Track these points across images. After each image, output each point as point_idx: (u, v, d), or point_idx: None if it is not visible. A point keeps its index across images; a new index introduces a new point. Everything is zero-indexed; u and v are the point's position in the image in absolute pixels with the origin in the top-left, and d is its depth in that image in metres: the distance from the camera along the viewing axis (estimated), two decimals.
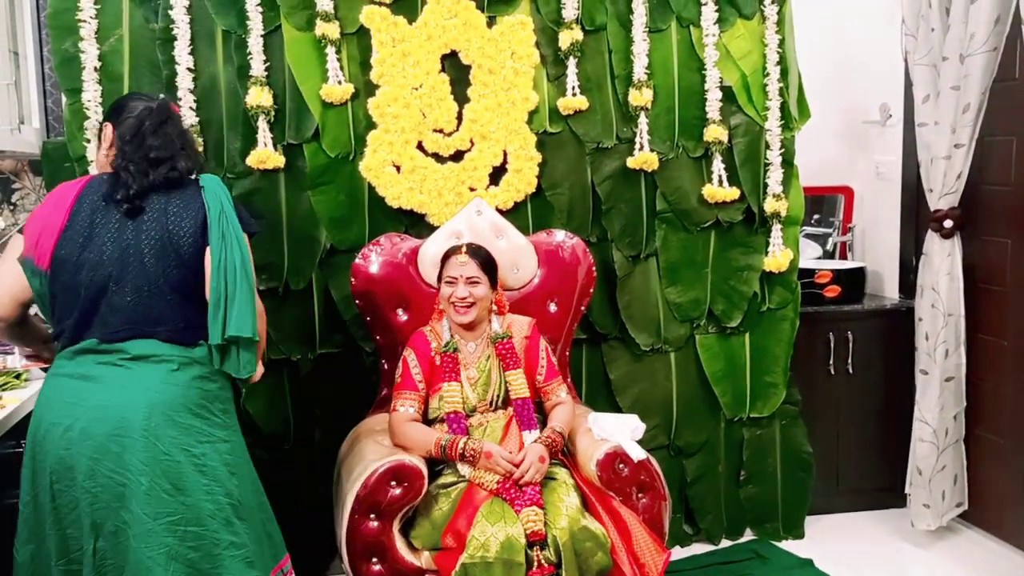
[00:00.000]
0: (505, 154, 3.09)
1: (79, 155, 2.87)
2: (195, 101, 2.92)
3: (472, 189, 3.07)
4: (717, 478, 3.40)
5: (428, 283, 2.85)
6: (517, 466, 2.41)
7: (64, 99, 2.89)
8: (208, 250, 2.14)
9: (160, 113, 2.24)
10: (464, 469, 2.46)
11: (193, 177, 2.24)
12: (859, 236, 4.01)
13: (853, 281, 3.70)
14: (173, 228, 2.13)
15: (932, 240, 3.30)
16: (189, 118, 2.90)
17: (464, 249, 2.62)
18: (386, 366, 2.91)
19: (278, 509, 3.07)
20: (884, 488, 3.65)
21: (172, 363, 2.10)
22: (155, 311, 2.10)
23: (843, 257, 3.99)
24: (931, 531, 3.40)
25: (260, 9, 2.91)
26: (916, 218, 3.68)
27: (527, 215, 3.15)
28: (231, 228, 2.16)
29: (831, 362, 3.55)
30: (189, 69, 2.90)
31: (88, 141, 2.86)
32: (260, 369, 2.29)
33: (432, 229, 3.01)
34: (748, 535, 3.47)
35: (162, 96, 2.35)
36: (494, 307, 2.68)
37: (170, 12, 2.87)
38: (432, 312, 2.74)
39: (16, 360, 2.64)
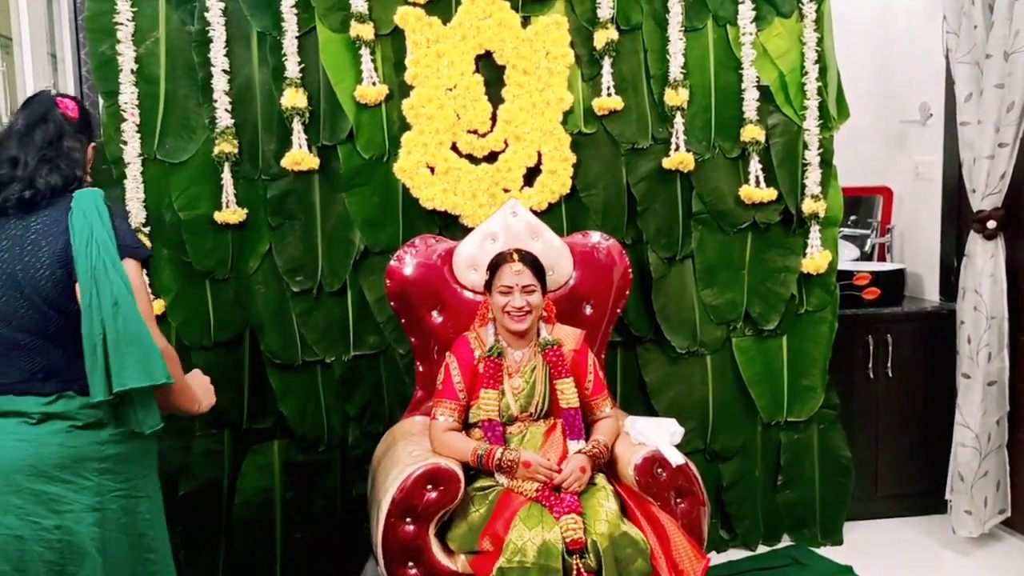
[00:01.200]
0: (539, 155, 3.06)
1: (116, 157, 2.89)
2: (230, 103, 2.93)
3: (506, 190, 3.05)
4: (754, 483, 3.36)
5: (463, 285, 2.83)
6: (558, 473, 2.39)
7: (101, 101, 2.90)
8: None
9: (32, 115, 1.91)
10: (501, 479, 2.43)
11: (70, 192, 1.87)
12: (898, 237, 3.94)
13: (893, 283, 3.64)
14: (29, 260, 1.79)
15: (975, 241, 3.24)
16: (224, 120, 2.91)
17: (516, 256, 2.56)
18: (421, 368, 2.89)
19: (313, 511, 3.09)
20: (924, 493, 3.58)
21: (31, 417, 1.77)
22: (8, 359, 1.80)
23: (881, 259, 3.93)
24: (973, 538, 3.33)
25: (295, 11, 2.91)
26: (957, 219, 3.61)
27: (561, 216, 3.13)
28: (103, 258, 1.76)
29: (870, 365, 3.50)
30: (224, 71, 2.91)
31: (125, 143, 2.87)
32: (210, 400, 2.01)
33: (466, 230, 2.99)
34: (785, 541, 3.42)
35: (53, 92, 1.98)
36: (543, 314, 2.65)
37: (206, 14, 2.88)
38: (471, 316, 2.72)
39: None
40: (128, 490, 1.83)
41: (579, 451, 2.47)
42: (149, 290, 1.79)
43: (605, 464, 2.55)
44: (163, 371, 1.77)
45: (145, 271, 1.90)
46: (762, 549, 3.36)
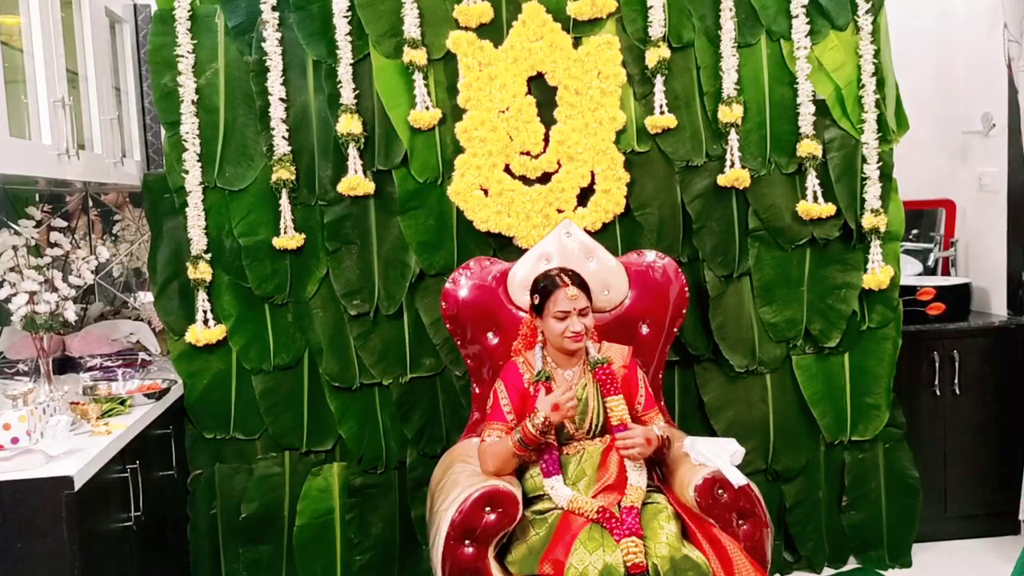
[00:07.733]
0: (593, 175, 3.06)
1: (178, 186, 2.95)
2: (287, 130, 2.98)
3: (560, 211, 3.05)
4: (818, 504, 3.29)
5: (518, 306, 2.83)
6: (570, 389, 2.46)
7: (163, 132, 2.98)
8: None
9: None
10: (561, 500, 2.41)
11: None
12: (962, 251, 3.85)
13: (958, 298, 3.55)
14: None
15: None
16: (282, 147, 2.96)
17: (568, 281, 2.54)
18: (477, 390, 2.90)
19: (372, 533, 3.10)
20: (996, 514, 3.47)
21: None
22: None
23: (945, 273, 3.84)
24: None
25: (349, 39, 2.96)
26: None
27: (616, 236, 3.11)
28: None
29: (936, 382, 3.41)
30: (281, 99, 2.96)
31: (186, 172, 2.94)
32: None
33: (520, 252, 2.99)
34: (852, 563, 3.34)
35: None
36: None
37: (263, 45, 2.94)
38: (517, 338, 2.72)
39: (120, 386, 2.71)
40: None
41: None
42: None
43: (661, 479, 2.54)
44: None
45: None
46: (828, 572, 3.29)
